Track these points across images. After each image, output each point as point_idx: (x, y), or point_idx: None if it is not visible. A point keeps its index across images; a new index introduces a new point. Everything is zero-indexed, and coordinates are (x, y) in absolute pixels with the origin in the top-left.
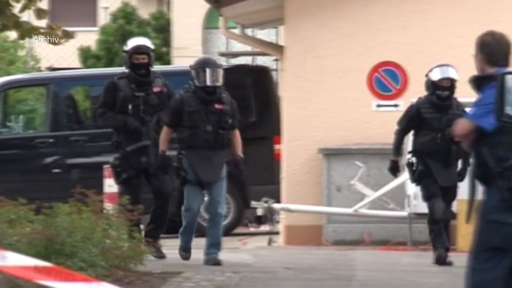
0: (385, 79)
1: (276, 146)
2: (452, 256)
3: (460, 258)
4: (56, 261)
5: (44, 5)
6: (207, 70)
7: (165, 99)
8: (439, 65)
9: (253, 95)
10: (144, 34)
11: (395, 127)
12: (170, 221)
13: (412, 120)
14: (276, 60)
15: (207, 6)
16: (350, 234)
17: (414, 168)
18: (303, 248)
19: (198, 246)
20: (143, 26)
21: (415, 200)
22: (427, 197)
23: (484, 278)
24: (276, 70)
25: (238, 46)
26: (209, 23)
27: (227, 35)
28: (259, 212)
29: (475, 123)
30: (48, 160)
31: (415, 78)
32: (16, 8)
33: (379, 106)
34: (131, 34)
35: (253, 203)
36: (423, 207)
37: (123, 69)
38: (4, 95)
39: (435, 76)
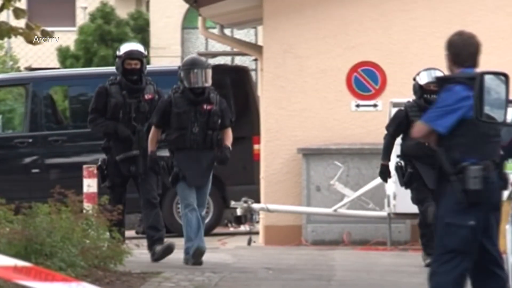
0: (364, 79)
1: (256, 146)
2: None
3: None
4: (35, 261)
5: (21, 5)
6: (196, 71)
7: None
8: (427, 68)
9: (232, 95)
10: (123, 34)
11: (374, 127)
12: None
13: (401, 124)
14: (255, 60)
15: (185, 6)
16: (330, 234)
17: (403, 171)
18: (283, 248)
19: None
20: (122, 26)
21: (395, 200)
22: (418, 200)
23: (443, 281)
24: (255, 70)
25: (217, 46)
26: (188, 23)
27: (205, 35)
28: (239, 212)
29: (430, 126)
30: (27, 160)
31: (394, 78)
32: None
33: (358, 106)
34: (110, 34)
35: (233, 203)
36: (402, 207)
37: (102, 69)
38: None
39: (423, 79)
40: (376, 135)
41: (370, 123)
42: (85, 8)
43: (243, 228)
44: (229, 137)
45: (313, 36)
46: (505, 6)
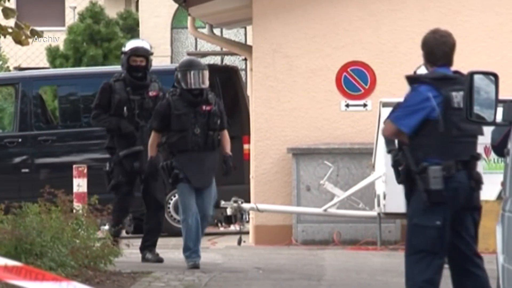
0: (354, 79)
1: (245, 146)
2: None
3: None
4: (25, 261)
5: (11, 4)
6: (194, 72)
7: None
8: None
9: (221, 95)
10: (112, 34)
11: (364, 126)
12: (138, 219)
13: None
14: (245, 59)
15: (175, 5)
16: (320, 234)
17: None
18: (273, 248)
19: (164, 245)
20: (111, 26)
21: (385, 200)
22: None
23: (417, 280)
24: (245, 69)
25: (206, 45)
26: (177, 23)
27: (195, 35)
28: (229, 212)
29: (396, 125)
30: (17, 160)
31: (384, 78)
32: None
33: (348, 106)
34: (99, 34)
35: (223, 203)
36: (392, 207)
37: (92, 69)
38: None
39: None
40: (366, 134)
41: (359, 122)
42: (75, 7)
43: (233, 228)
44: (227, 141)
45: (302, 35)
46: (494, 6)
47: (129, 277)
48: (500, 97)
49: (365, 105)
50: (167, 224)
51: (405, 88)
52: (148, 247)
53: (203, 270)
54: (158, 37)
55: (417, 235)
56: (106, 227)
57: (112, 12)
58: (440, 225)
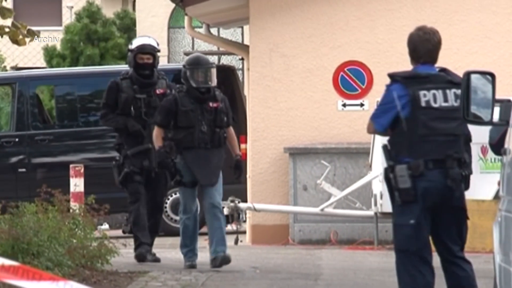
0: (351, 79)
1: (242, 146)
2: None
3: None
4: (22, 261)
5: (7, 4)
6: (202, 70)
7: None
8: None
9: None
10: (109, 34)
11: (361, 126)
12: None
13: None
14: (242, 59)
15: (172, 5)
16: (317, 234)
17: None
18: (270, 247)
19: (161, 245)
20: (108, 26)
21: (381, 199)
22: None
23: (409, 281)
24: (241, 69)
25: (203, 45)
26: (174, 22)
27: (192, 35)
28: (226, 211)
29: (372, 123)
30: (14, 159)
31: (380, 78)
32: None
33: (344, 105)
34: (96, 34)
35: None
36: (389, 207)
37: (89, 68)
38: None
39: None
40: (363, 134)
41: (356, 122)
42: (71, 7)
43: (230, 227)
44: (235, 139)
45: (299, 35)
46: (491, 5)
47: (126, 276)
48: (497, 96)
49: (362, 105)
50: (164, 223)
51: None
52: (141, 245)
53: (200, 270)
54: (155, 37)
55: (397, 235)
56: (103, 226)
57: (109, 12)
58: (414, 223)
